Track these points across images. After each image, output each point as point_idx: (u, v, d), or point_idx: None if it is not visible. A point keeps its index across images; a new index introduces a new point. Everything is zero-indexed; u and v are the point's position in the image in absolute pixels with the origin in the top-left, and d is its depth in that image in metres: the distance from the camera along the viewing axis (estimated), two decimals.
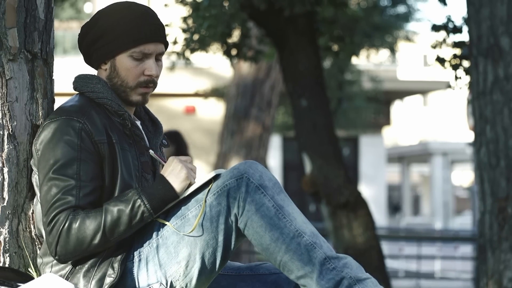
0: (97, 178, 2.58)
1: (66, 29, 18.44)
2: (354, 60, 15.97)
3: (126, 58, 2.67)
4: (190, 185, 2.60)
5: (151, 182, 2.70)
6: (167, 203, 2.58)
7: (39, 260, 2.67)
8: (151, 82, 2.71)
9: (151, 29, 2.67)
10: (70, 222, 2.52)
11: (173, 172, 2.59)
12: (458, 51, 5.69)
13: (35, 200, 2.68)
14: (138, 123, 2.76)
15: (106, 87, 2.69)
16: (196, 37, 6.89)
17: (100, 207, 2.55)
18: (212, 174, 2.56)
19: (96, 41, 2.67)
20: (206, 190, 2.55)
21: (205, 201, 2.54)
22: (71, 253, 2.54)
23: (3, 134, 2.68)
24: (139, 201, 2.53)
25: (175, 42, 7.01)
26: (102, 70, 2.72)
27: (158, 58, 2.71)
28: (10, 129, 2.68)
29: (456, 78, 5.68)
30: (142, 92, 2.71)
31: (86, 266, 2.57)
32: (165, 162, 2.70)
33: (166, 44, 2.73)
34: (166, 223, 2.57)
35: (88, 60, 2.75)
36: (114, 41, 2.65)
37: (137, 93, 2.71)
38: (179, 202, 2.59)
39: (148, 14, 2.68)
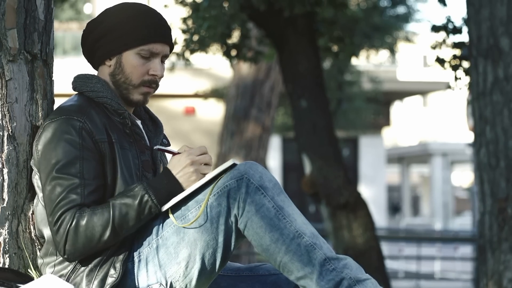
0: (99, 177, 2.58)
1: (65, 30, 18.44)
2: (354, 60, 15.98)
3: (133, 55, 2.68)
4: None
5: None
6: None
7: (39, 261, 2.67)
8: (154, 83, 2.73)
9: (161, 30, 2.70)
10: (77, 220, 2.52)
11: (182, 173, 2.59)
12: (458, 52, 5.69)
13: (35, 201, 2.68)
14: (139, 122, 2.77)
15: (106, 87, 2.70)
16: (196, 37, 6.90)
17: (106, 203, 2.56)
18: (230, 162, 2.55)
19: (104, 36, 2.68)
20: (208, 190, 2.55)
21: (208, 199, 2.54)
22: (80, 251, 2.54)
23: (3, 135, 2.68)
24: (146, 196, 2.54)
25: (174, 43, 7.01)
26: (106, 67, 2.73)
27: (162, 60, 2.74)
28: (10, 130, 2.68)
29: (456, 78, 5.68)
30: (145, 91, 2.72)
31: (89, 266, 2.57)
32: (176, 152, 2.68)
33: (171, 47, 2.76)
34: (170, 215, 2.57)
35: (91, 56, 2.75)
36: (123, 37, 2.67)
37: (139, 92, 2.72)
38: (179, 202, 2.59)
39: (158, 16, 2.72)
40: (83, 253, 2.55)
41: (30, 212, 2.73)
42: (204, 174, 2.61)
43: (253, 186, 2.52)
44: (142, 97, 2.73)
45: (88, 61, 2.78)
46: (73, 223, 2.52)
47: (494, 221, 4.61)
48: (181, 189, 2.59)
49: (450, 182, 31.82)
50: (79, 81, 2.72)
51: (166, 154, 2.80)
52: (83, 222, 2.52)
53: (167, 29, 2.72)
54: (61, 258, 2.60)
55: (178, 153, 2.66)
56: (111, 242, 2.55)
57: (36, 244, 2.74)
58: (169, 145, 2.88)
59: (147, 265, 2.58)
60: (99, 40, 2.69)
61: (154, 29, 2.68)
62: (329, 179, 6.63)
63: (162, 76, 2.74)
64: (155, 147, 2.72)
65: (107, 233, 2.53)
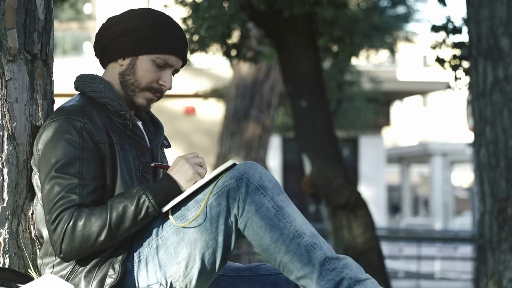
0: (98, 177, 2.59)
1: (65, 30, 18.45)
2: (354, 60, 15.98)
3: (148, 61, 2.70)
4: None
5: (152, 182, 2.71)
6: (172, 199, 2.58)
7: (39, 261, 2.67)
8: (160, 92, 2.76)
9: (180, 44, 2.72)
10: (75, 220, 2.52)
11: (180, 171, 2.60)
12: (457, 52, 5.68)
13: (35, 200, 2.68)
14: (139, 123, 2.77)
15: (109, 87, 2.70)
16: (195, 38, 6.90)
17: (104, 204, 2.56)
18: (230, 163, 2.56)
19: (124, 34, 2.69)
20: (207, 190, 2.55)
21: (208, 198, 2.54)
22: (77, 251, 2.54)
23: (3, 135, 2.68)
24: (143, 197, 2.54)
25: None
26: (117, 65, 2.73)
27: (173, 73, 2.77)
28: (10, 130, 2.68)
29: (456, 78, 5.67)
30: (149, 97, 2.73)
31: (88, 266, 2.57)
32: (169, 166, 2.71)
33: (184, 63, 2.78)
34: (170, 216, 2.57)
35: (104, 51, 2.75)
36: (144, 40, 2.68)
37: (143, 96, 2.73)
38: (179, 203, 2.59)
39: (180, 30, 2.74)
40: (80, 253, 2.55)
41: (30, 212, 2.73)
42: (200, 174, 2.62)
43: (253, 186, 2.52)
44: (145, 102, 2.74)
45: (97, 56, 2.78)
46: (71, 222, 2.52)
47: (494, 221, 4.61)
48: (179, 188, 2.59)
49: (450, 182, 31.82)
50: (82, 81, 2.73)
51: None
52: (81, 222, 2.52)
53: (186, 45, 2.75)
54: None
55: None
56: (108, 243, 2.55)
57: (36, 244, 2.74)
58: (169, 146, 2.89)
59: (147, 265, 2.58)
60: (119, 37, 2.69)
61: (175, 41, 2.70)
62: (329, 179, 6.63)
63: (169, 89, 2.77)
64: (152, 164, 2.73)
65: (104, 234, 2.52)
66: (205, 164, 2.66)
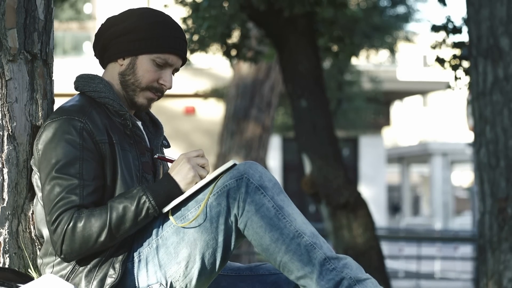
0: (99, 178, 2.59)
1: (65, 30, 18.45)
2: (354, 60, 15.98)
3: (148, 61, 2.70)
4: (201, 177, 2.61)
5: (152, 182, 2.71)
6: (172, 200, 2.58)
7: (39, 261, 2.67)
8: (160, 91, 2.76)
9: (180, 43, 2.72)
10: (75, 221, 2.53)
11: (180, 173, 2.60)
12: (457, 52, 5.68)
13: (35, 200, 2.68)
14: (139, 123, 2.77)
15: (109, 87, 2.70)
16: (195, 37, 6.90)
17: (104, 205, 2.56)
18: (231, 163, 2.55)
19: (124, 34, 2.69)
20: (208, 190, 2.55)
21: (208, 198, 2.54)
22: (77, 252, 2.54)
23: (3, 135, 2.68)
24: (144, 198, 2.54)
25: None
26: (117, 65, 2.73)
27: (173, 72, 2.77)
28: (10, 130, 2.68)
29: (456, 78, 5.67)
30: (150, 96, 2.73)
31: (88, 266, 2.58)
32: (174, 160, 2.71)
33: (184, 62, 2.78)
34: (170, 217, 2.57)
35: (103, 51, 2.75)
36: (144, 40, 2.68)
37: (144, 96, 2.73)
38: (180, 203, 2.59)
39: (179, 29, 2.74)
40: (80, 253, 2.55)
41: (30, 212, 2.73)
42: (201, 175, 2.61)
43: (252, 185, 2.52)
44: (146, 102, 2.74)
45: (97, 56, 2.78)
46: (71, 224, 2.53)
47: (494, 221, 4.61)
48: (179, 189, 2.59)
49: (450, 182, 31.83)
50: (82, 81, 2.73)
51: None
52: (81, 223, 2.53)
53: (185, 44, 2.75)
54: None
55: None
56: (108, 244, 2.55)
57: (36, 244, 2.74)
58: (169, 146, 2.89)
59: (147, 265, 2.58)
60: (118, 37, 2.69)
61: (174, 40, 2.70)
62: (329, 179, 6.63)
63: (170, 88, 2.76)
64: (155, 156, 2.73)
65: (104, 234, 2.53)
66: (208, 166, 2.65)
